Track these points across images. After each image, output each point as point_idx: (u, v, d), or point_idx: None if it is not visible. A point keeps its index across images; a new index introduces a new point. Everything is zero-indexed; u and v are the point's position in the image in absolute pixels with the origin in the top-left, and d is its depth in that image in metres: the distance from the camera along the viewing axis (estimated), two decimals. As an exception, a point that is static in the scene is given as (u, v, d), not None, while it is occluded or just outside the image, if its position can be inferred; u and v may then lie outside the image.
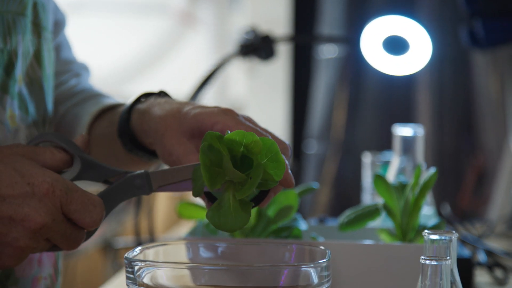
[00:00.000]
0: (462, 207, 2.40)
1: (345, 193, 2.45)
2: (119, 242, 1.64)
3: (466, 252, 1.25)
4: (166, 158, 0.96)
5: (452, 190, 2.41)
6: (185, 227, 1.77)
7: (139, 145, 1.03)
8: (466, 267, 1.22)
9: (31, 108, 1.01)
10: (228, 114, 0.93)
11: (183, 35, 4.07)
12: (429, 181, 1.06)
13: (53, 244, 0.86)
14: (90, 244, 4.08)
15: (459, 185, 2.44)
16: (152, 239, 1.60)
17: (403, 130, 1.32)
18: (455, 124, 2.43)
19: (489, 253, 1.37)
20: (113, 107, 1.11)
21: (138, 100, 1.03)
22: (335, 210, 2.32)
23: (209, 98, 4.04)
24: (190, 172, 0.89)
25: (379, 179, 1.08)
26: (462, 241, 1.41)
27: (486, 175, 2.43)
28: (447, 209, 1.55)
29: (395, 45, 1.55)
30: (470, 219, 1.78)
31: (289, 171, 0.91)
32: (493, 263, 1.32)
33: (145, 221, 1.63)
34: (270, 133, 0.94)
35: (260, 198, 0.89)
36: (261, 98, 3.36)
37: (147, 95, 1.04)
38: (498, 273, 1.30)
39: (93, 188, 0.93)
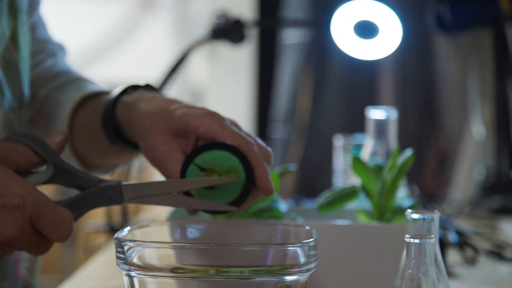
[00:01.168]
0: (424, 188, 2.43)
1: (311, 176, 2.48)
2: (90, 226, 1.64)
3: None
4: (148, 153, 0.96)
5: (414, 172, 2.45)
6: (154, 211, 1.79)
7: (122, 136, 1.03)
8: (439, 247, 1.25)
9: (7, 92, 1.00)
10: (214, 118, 0.94)
11: (143, 19, 4.05)
12: (406, 163, 1.09)
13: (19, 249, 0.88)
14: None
15: (421, 167, 2.48)
16: (124, 222, 1.61)
17: (376, 113, 1.34)
18: (418, 107, 2.47)
19: (459, 233, 1.40)
20: (96, 95, 1.10)
21: (124, 91, 1.03)
22: (301, 193, 2.34)
23: (170, 83, 4.03)
24: (162, 188, 0.91)
25: (357, 161, 1.09)
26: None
27: (448, 158, 2.47)
28: (415, 190, 1.58)
29: (365, 30, 1.57)
30: (436, 201, 1.81)
31: (269, 178, 0.93)
32: (463, 243, 1.35)
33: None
34: (253, 138, 0.95)
35: (240, 200, 0.92)
36: (222, 83, 3.37)
37: (133, 87, 1.04)
38: (469, 252, 1.33)
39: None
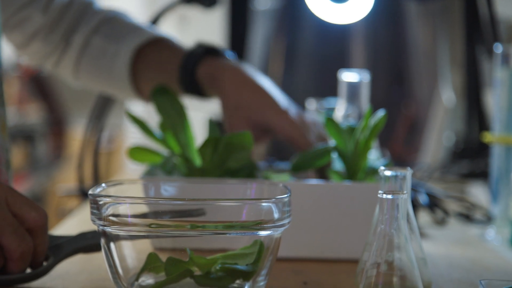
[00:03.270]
0: (395, 155, 2.45)
1: (282, 142, 2.48)
2: (62, 190, 1.64)
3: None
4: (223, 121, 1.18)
5: (384, 139, 2.46)
6: (127, 175, 1.78)
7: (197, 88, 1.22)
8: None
9: None
10: (294, 127, 1.16)
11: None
12: (378, 124, 1.09)
13: None
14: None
15: (391, 134, 2.49)
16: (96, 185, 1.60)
17: (349, 76, 1.34)
18: (388, 74, 2.48)
19: (429, 195, 1.41)
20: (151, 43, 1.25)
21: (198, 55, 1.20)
22: (273, 157, 2.34)
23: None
24: None
25: (330, 122, 1.10)
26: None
27: (418, 125, 2.48)
28: (386, 154, 1.59)
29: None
30: (406, 166, 1.82)
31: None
32: (434, 205, 1.36)
33: (88, 170, 1.63)
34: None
35: None
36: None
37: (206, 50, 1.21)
38: (439, 214, 1.35)
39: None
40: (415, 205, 1.26)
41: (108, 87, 1.29)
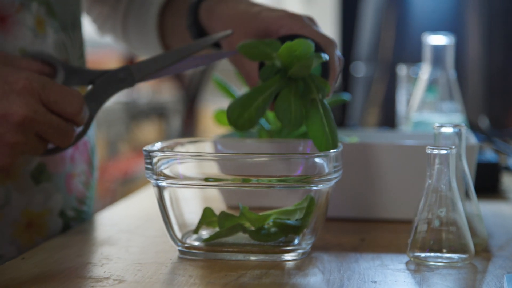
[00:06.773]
0: (511, 126, 2.38)
1: (394, 113, 2.46)
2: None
3: (493, 157, 1.27)
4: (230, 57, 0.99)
5: (500, 109, 2.40)
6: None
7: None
8: (493, 170, 1.24)
9: (58, 11, 1.03)
10: (294, 18, 0.95)
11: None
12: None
13: (46, 141, 0.88)
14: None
15: (508, 104, 2.43)
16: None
17: (434, 39, 1.32)
18: (505, 41, 2.41)
19: (522, 161, 1.38)
20: None
21: None
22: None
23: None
24: (168, 59, 0.94)
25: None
26: (496, 150, 1.42)
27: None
28: (485, 121, 1.56)
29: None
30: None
31: (336, 78, 0.94)
32: (524, 169, 1.33)
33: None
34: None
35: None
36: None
37: None
38: (528, 178, 1.32)
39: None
40: (499, 168, 1.24)
41: (145, 44, 1.24)
